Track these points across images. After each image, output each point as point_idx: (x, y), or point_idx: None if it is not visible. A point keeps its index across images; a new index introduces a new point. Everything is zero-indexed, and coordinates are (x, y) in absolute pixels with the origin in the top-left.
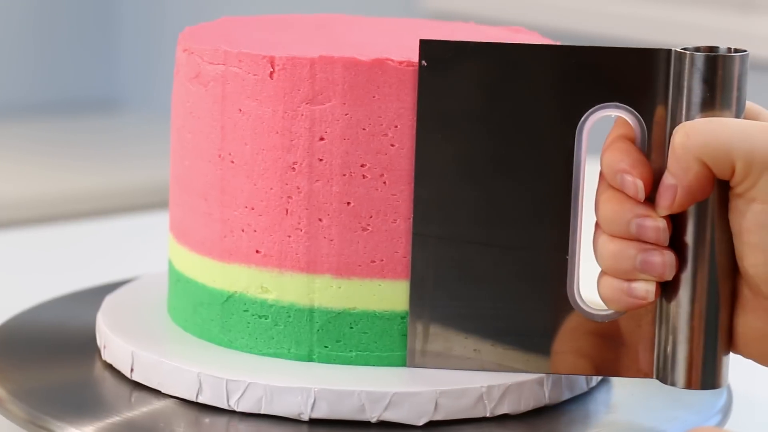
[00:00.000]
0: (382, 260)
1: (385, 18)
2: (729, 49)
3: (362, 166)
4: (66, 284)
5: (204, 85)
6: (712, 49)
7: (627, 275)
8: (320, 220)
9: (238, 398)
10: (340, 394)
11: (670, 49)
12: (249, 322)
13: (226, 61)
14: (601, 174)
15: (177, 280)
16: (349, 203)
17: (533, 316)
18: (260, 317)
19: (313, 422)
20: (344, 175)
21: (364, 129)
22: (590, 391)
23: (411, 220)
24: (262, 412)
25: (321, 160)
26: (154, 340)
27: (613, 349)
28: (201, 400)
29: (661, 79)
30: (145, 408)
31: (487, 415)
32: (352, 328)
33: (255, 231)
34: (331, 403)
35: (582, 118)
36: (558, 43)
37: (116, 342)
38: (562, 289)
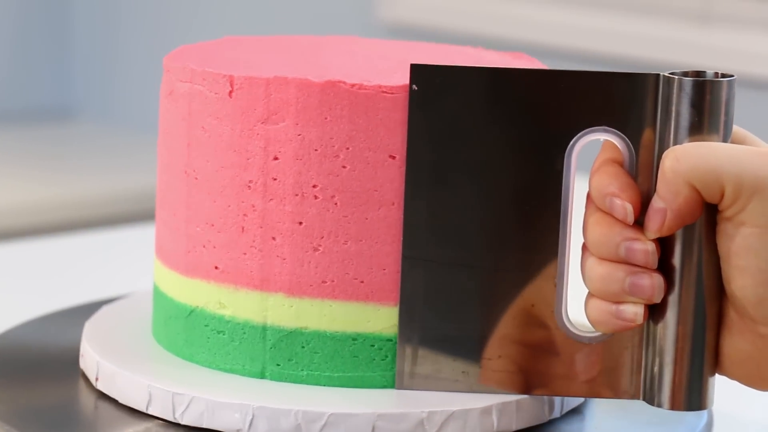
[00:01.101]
0: (333, 281)
1: (392, 41)
2: (716, 74)
3: (314, 186)
4: (55, 301)
5: (176, 101)
6: (699, 73)
7: (615, 298)
8: (274, 238)
9: (183, 411)
10: (277, 413)
11: (659, 74)
12: (209, 337)
13: (192, 79)
14: (589, 197)
15: (155, 293)
16: (301, 223)
17: (522, 339)
18: (218, 333)
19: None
20: (296, 195)
21: (316, 150)
22: (552, 422)
23: (362, 242)
24: (204, 426)
25: (275, 179)
26: (121, 351)
27: (601, 371)
28: (151, 411)
29: (649, 104)
30: (130, 430)
31: None
32: (303, 347)
33: (214, 247)
34: (269, 421)
35: (571, 142)
36: (547, 67)
37: (87, 351)
38: (550, 312)
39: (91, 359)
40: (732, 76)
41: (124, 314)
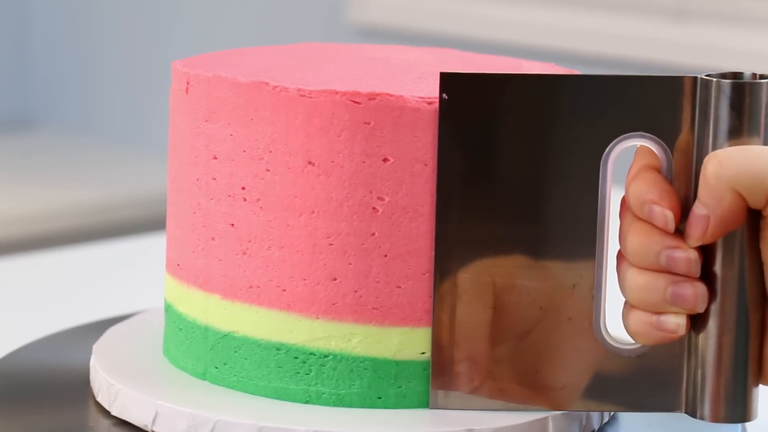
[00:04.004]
0: (259, 287)
1: (433, 50)
2: (754, 75)
3: (243, 188)
4: (55, 320)
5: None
6: (737, 75)
7: (656, 308)
8: (213, 239)
9: (113, 401)
10: (175, 413)
11: (696, 77)
12: (174, 334)
13: (174, 77)
14: (624, 204)
15: None
16: (233, 225)
17: (560, 353)
18: (179, 330)
19: None
20: (229, 195)
21: (244, 151)
22: None
23: (284, 249)
24: (125, 418)
25: (214, 179)
26: (117, 349)
27: (640, 385)
28: (99, 399)
29: (686, 107)
30: None
31: None
32: (236, 352)
33: (177, 244)
34: (168, 420)
35: (606, 149)
36: (580, 73)
37: (92, 351)
38: (588, 325)
39: (91, 359)
40: None
41: (152, 319)
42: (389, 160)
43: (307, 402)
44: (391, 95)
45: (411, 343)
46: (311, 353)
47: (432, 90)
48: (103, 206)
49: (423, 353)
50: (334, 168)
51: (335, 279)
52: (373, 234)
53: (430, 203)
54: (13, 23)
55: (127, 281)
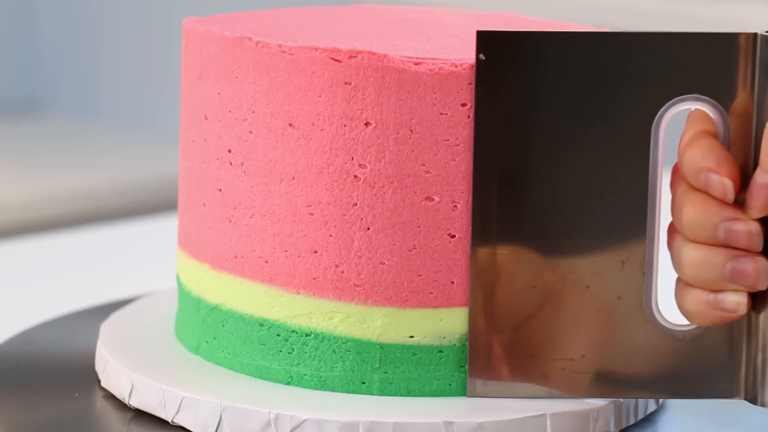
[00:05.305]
0: (243, 257)
1: (470, 11)
2: None
3: (229, 151)
4: (78, 299)
5: None
6: None
7: (714, 286)
8: (204, 205)
9: (103, 371)
10: (148, 387)
11: (756, 33)
12: (179, 307)
13: (182, 36)
14: (677, 173)
15: None
16: (220, 190)
17: (607, 335)
18: (181, 301)
19: (137, 411)
20: (217, 159)
21: (230, 111)
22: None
23: (266, 217)
24: (110, 389)
25: (206, 140)
26: (129, 323)
27: (695, 369)
28: (96, 369)
29: (744, 67)
30: None
31: None
32: (223, 326)
33: (181, 212)
34: (142, 394)
35: (659, 113)
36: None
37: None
38: (638, 305)
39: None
40: None
41: (158, 303)
42: (371, 125)
43: (289, 383)
44: (373, 53)
45: (397, 325)
46: (293, 331)
47: (435, 51)
48: (109, 190)
49: (411, 337)
50: (314, 131)
51: (316, 252)
52: (355, 204)
53: (416, 173)
54: (19, 7)
55: (139, 262)
